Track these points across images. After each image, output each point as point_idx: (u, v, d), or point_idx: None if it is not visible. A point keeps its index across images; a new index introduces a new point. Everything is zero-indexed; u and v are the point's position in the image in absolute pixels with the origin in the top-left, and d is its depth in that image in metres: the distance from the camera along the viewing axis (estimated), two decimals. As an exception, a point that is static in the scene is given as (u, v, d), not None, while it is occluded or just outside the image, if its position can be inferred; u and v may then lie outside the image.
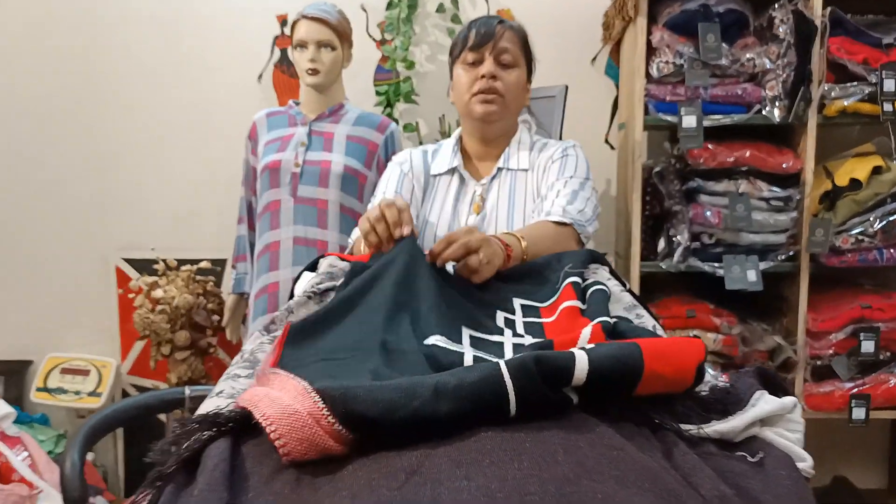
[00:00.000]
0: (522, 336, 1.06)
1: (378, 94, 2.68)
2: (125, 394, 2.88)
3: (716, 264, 2.14)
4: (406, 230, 1.23)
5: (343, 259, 1.41)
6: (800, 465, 0.63)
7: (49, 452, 2.58)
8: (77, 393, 2.74)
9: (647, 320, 1.15)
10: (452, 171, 1.62)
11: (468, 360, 0.88)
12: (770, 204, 2.13)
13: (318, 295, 1.19)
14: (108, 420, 2.07)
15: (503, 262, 1.26)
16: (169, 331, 2.50)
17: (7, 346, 2.86)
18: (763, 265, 2.12)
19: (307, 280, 1.38)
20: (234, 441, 0.66)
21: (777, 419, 0.67)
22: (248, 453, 0.64)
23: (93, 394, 2.73)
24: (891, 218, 2.05)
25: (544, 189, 1.55)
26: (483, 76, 1.52)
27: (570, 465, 0.55)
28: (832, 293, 2.17)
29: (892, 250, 2.08)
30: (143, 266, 2.77)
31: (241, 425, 0.67)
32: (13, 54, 2.82)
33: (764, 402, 0.67)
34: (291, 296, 1.49)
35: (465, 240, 1.19)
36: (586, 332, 1.01)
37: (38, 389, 2.74)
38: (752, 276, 2.10)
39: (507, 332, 1.07)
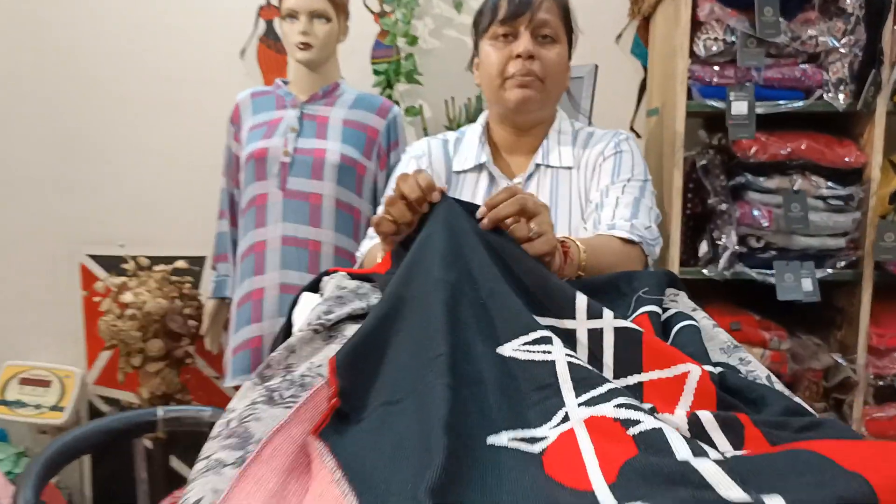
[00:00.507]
0: (599, 316, 0.83)
1: (376, 73, 2.38)
2: (92, 407, 2.59)
3: (766, 271, 1.88)
4: (435, 196, 0.97)
5: (354, 275, 1.12)
6: None
7: (7, 473, 2.32)
8: (38, 407, 2.45)
9: (756, 367, 0.89)
10: (480, 167, 1.35)
11: (562, 370, 0.72)
12: (828, 203, 1.87)
13: (327, 329, 0.91)
14: (67, 449, 1.78)
15: (559, 264, 1.00)
16: (140, 339, 2.21)
17: (-42, 352, 2.56)
18: (819, 273, 1.86)
19: (310, 305, 1.10)
20: None
21: None
22: None
23: (55, 408, 2.44)
24: (974, 221, 1.80)
25: (595, 193, 1.28)
26: (519, 55, 1.25)
27: None
28: (899, 305, 1.93)
29: (973, 259, 1.83)
30: (112, 264, 2.47)
31: None
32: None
33: None
34: (288, 328, 1.21)
35: (524, 198, 0.94)
36: (690, 382, 0.75)
37: (-6, 402, 2.45)
38: (807, 285, 1.85)
39: (580, 303, 0.84)
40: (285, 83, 2.03)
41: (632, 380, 0.78)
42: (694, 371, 0.76)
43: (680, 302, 1.04)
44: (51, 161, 2.52)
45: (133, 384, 2.36)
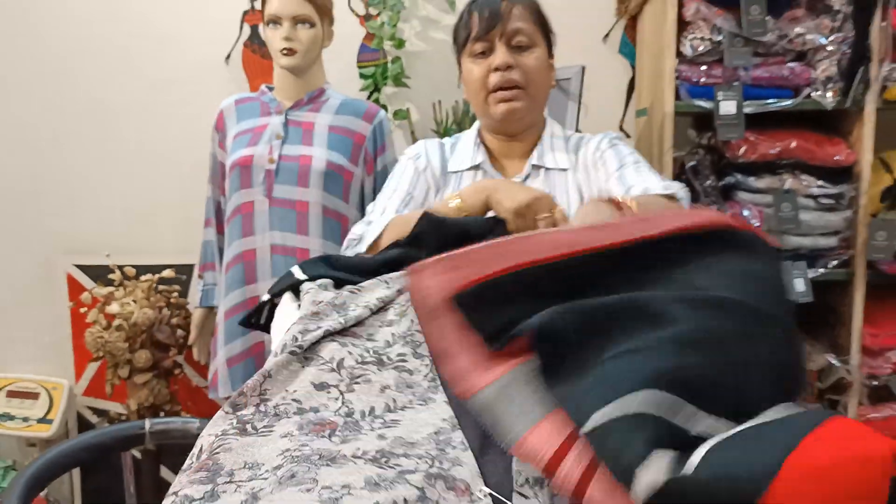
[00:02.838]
0: None
1: (363, 77, 2.37)
2: (81, 418, 2.57)
3: (757, 272, 1.87)
4: None
5: (337, 279, 1.09)
6: None
7: (-6, 487, 2.29)
8: (25, 419, 2.43)
9: None
10: (476, 167, 1.38)
11: None
12: (819, 202, 1.85)
13: (304, 351, 0.88)
14: (53, 465, 1.77)
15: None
16: (127, 351, 2.19)
17: (-56, 366, 2.53)
18: (811, 273, 1.85)
19: (288, 316, 1.07)
20: None
21: None
22: None
23: (43, 420, 2.42)
24: (966, 219, 1.79)
25: (604, 177, 1.33)
26: (497, 68, 1.27)
27: None
28: (893, 304, 1.91)
29: (967, 257, 1.82)
30: (98, 273, 2.45)
31: None
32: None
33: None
34: (265, 323, 1.19)
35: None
36: None
37: (-19, 416, 2.42)
38: (799, 285, 1.83)
39: None
40: (270, 89, 2.01)
41: None
42: None
43: None
44: (36, 170, 2.50)
45: (121, 395, 2.34)
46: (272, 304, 1.16)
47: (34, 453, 2.48)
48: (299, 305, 1.05)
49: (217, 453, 0.71)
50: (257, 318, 1.18)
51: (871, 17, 1.76)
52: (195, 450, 0.74)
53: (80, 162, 2.49)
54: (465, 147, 1.41)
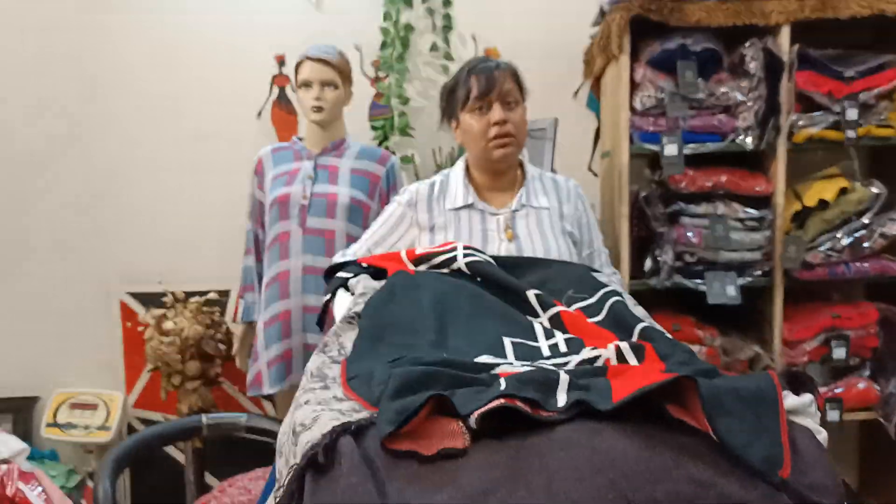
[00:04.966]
0: (553, 336, 1.24)
1: (374, 128, 2.82)
2: (131, 427, 2.93)
3: (698, 280, 2.30)
4: None
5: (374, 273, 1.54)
6: (818, 436, 0.81)
7: (61, 487, 2.63)
8: (86, 427, 2.78)
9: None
10: (469, 206, 1.74)
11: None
12: (745, 224, 2.30)
13: (357, 317, 1.32)
14: (131, 449, 2.17)
15: None
16: (179, 361, 2.58)
17: (13, 382, 2.90)
18: (741, 280, 2.28)
19: (344, 301, 1.51)
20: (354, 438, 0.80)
21: (802, 410, 0.87)
22: (369, 445, 0.78)
23: (102, 427, 2.79)
24: (857, 234, 2.24)
25: (585, 244, 1.82)
26: (496, 123, 1.65)
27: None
28: (805, 305, 2.35)
29: (858, 264, 2.27)
30: (148, 299, 2.85)
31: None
32: (6, 79, 2.89)
33: (788, 401, 0.86)
34: (322, 315, 1.62)
35: None
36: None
37: (49, 425, 2.79)
38: (731, 290, 2.27)
39: (538, 328, 1.26)
40: (300, 139, 2.42)
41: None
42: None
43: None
44: (91, 211, 2.92)
45: (169, 404, 2.72)
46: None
47: (90, 459, 2.84)
48: (351, 293, 1.50)
49: (322, 369, 1.14)
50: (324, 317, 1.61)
51: (779, 80, 2.23)
52: (307, 372, 1.17)
53: (134, 202, 2.92)
54: (456, 186, 1.75)
